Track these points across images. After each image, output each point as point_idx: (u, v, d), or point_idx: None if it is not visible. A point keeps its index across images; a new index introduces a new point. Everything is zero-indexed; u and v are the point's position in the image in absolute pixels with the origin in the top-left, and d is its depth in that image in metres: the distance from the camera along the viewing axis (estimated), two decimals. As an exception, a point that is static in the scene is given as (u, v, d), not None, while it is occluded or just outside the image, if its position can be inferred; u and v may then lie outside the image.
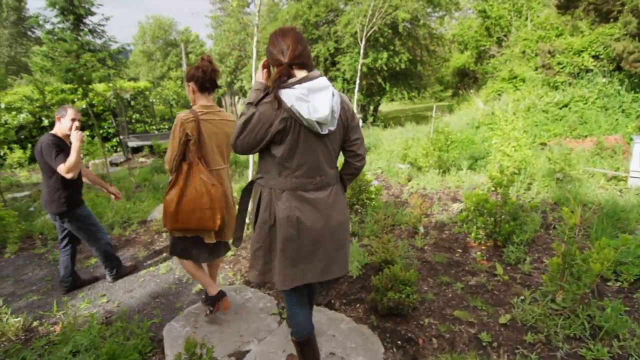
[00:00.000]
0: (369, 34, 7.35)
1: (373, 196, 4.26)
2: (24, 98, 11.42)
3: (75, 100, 11.93)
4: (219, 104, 31.78)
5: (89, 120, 12.72)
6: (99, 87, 12.62)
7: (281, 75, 1.55)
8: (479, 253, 3.58)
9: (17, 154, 10.46)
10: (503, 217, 3.46)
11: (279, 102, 1.53)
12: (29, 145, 11.02)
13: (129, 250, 4.33)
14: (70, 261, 3.42)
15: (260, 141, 1.59)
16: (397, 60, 16.06)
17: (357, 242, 3.70)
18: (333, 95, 1.62)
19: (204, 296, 2.62)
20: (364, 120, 8.46)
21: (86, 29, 17.14)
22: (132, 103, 13.79)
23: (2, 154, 10.76)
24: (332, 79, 17.81)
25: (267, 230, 1.71)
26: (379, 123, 15.57)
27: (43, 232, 4.96)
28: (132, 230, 4.90)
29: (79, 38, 16.75)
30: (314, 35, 17.33)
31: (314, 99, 1.54)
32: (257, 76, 1.69)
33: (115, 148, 13.09)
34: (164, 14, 40.24)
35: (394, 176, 6.73)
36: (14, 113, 11.46)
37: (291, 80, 1.55)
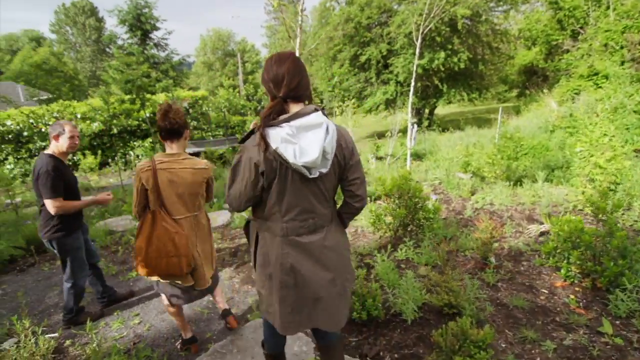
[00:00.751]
0: (424, 33, 6.73)
1: (432, 215, 3.65)
2: (94, 109, 12.35)
3: (135, 111, 12.67)
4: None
5: (150, 129, 13.64)
6: (160, 97, 13.34)
7: (272, 111, 1.42)
8: (572, 297, 2.81)
9: (89, 159, 11.29)
10: (607, 252, 2.68)
11: (265, 143, 1.39)
12: (99, 151, 11.95)
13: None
14: (98, 280, 3.31)
15: (254, 187, 1.46)
16: (455, 60, 14.98)
17: (413, 273, 3.15)
18: (327, 132, 1.43)
19: (180, 340, 2.71)
20: (419, 124, 7.86)
21: (151, 43, 18.33)
22: (190, 111, 14.39)
23: (76, 159, 11.71)
24: (384, 82, 17.17)
25: (267, 274, 1.60)
26: (435, 127, 14.59)
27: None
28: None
29: (145, 51, 17.97)
30: (366, 38, 16.84)
31: (303, 140, 1.39)
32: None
33: (174, 154, 13.73)
34: (223, 26, 42.39)
35: (454, 188, 6.00)
36: (88, 122, 12.46)
37: (281, 117, 1.41)
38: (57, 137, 2.73)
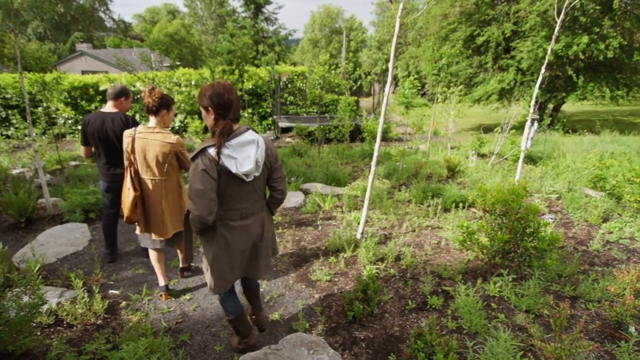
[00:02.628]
0: (568, 11, 5.26)
1: (546, 247, 2.70)
2: (203, 77, 13.31)
3: (234, 81, 13.28)
4: (369, 92, 31.61)
5: (252, 99, 14.30)
6: (262, 70, 13.75)
7: (224, 132, 1.82)
8: None
9: (196, 123, 12.27)
10: None
11: (218, 158, 1.83)
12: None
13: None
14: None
15: (213, 191, 1.87)
16: (602, 46, 12.11)
17: (506, 319, 2.39)
18: (258, 146, 1.92)
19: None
20: (539, 121, 6.41)
21: (262, 17, 18.96)
22: (289, 86, 14.60)
23: (186, 122, 12.87)
24: (502, 69, 14.97)
25: (210, 245, 2.07)
26: (559, 126, 12.17)
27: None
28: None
29: (256, 25, 18.70)
30: (487, 17, 14.71)
31: (240, 154, 1.86)
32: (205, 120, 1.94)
33: (269, 126, 14.20)
34: (333, 3, 42.18)
35: (578, 209, 4.72)
36: (199, 89, 13.57)
37: (218, 138, 1.84)
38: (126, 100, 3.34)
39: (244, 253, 2.10)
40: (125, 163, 2.70)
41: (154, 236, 2.84)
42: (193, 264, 3.48)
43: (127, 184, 2.68)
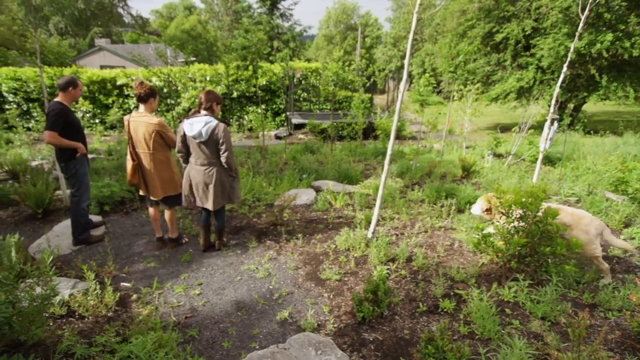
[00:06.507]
0: (590, 8, 5.04)
1: (565, 252, 2.58)
2: (218, 73, 13.36)
3: (248, 76, 13.21)
4: (383, 89, 31.29)
5: (266, 96, 14.31)
6: (277, 67, 13.73)
7: (190, 114, 3.38)
8: None
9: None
10: None
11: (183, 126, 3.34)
12: (220, 112, 12.99)
13: (244, 235, 4.09)
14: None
15: (182, 143, 3.40)
16: (627, 44, 11.66)
17: (521, 326, 2.30)
18: (204, 125, 3.22)
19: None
20: (559, 121, 6.16)
21: (278, 13, 18.92)
22: (303, 83, 14.54)
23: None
24: (521, 67, 14.59)
25: (186, 179, 3.50)
26: (579, 127, 11.78)
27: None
28: (256, 212, 4.71)
29: (271, 21, 18.68)
30: (507, 13, 14.32)
31: (195, 126, 3.24)
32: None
33: (283, 122, 14.19)
34: (349, -1, 41.65)
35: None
36: (214, 85, 13.61)
37: (190, 114, 3.37)
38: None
39: (198, 186, 3.40)
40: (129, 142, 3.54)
41: (151, 197, 3.65)
42: (185, 240, 3.98)
43: (128, 155, 3.51)
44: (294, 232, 4.11)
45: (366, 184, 5.68)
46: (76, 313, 2.64)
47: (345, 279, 3.18)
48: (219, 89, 13.38)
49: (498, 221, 2.97)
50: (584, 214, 3.06)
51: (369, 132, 11.08)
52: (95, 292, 2.68)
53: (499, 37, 14.45)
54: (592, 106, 19.30)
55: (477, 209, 3.57)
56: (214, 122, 3.21)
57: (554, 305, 2.50)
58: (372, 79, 11.83)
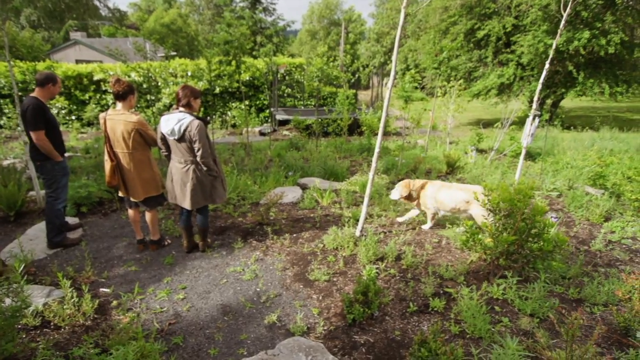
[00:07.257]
0: (570, 5, 5.12)
1: (552, 248, 2.61)
2: (200, 68, 13.05)
3: (231, 72, 12.96)
4: (367, 84, 31.33)
5: (249, 91, 14.08)
6: (259, 62, 13.51)
7: (166, 111, 3.94)
8: None
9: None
10: None
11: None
12: (202, 108, 12.68)
13: (229, 236, 3.98)
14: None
15: (162, 141, 3.30)
16: (603, 42, 12.01)
17: (510, 323, 2.31)
18: (177, 122, 3.09)
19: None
20: (540, 116, 6.30)
21: (260, 7, 18.61)
22: (287, 78, 14.37)
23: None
24: (501, 63, 14.84)
25: (169, 175, 3.40)
26: (557, 122, 12.08)
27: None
28: (242, 212, 4.60)
29: (254, 16, 18.36)
30: (488, 10, 14.52)
31: (169, 122, 3.12)
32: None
33: (267, 119, 14.00)
34: (332, -6, 41.38)
35: (579, 207, 4.66)
36: (195, 80, 13.29)
37: (172, 110, 3.24)
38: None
39: (177, 182, 3.29)
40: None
41: (131, 198, 3.48)
42: (168, 242, 3.84)
43: (105, 155, 3.29)
44: (280, 232, 4.03)
45: (352, 181, 5.64)
46: (51, 323, 2.50)
47: (334, 279, 3.13)
48: (201, 85, 13.07)
49: (486, 218, 2.98)
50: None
51: (354, 128, 11.06)
52: (72, 300, 2.54)
53: (480, 34, 14.64)
54: (569, 102, 19.87)
55: (397, 194, 4.04)
56: (188, 119, 3.05)
57: (542, 302, 2.52)
58: (357, 75, 11.80)
